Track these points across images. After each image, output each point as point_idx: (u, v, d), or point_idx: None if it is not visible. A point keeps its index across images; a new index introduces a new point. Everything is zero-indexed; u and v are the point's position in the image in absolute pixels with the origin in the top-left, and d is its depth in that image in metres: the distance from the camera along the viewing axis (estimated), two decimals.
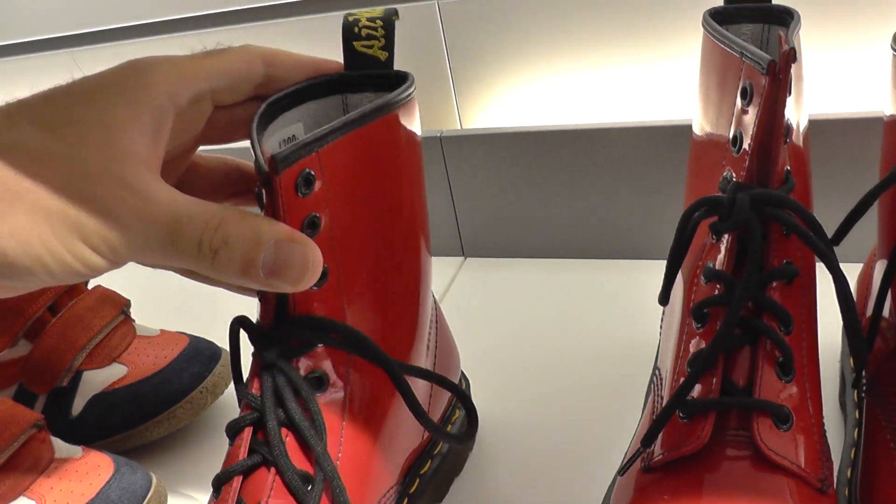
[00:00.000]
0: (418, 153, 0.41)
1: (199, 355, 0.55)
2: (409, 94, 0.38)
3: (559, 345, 0.60)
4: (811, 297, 0.38)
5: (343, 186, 0.35)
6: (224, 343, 0.58)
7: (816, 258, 0.37)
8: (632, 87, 0.66)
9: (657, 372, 0.43)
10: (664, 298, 0.40)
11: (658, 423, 0.36)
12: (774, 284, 0.37)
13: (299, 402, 0.35)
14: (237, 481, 0.35)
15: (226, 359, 0.57)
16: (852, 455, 0.41)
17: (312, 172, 0.33)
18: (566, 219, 0.69)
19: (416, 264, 0.42)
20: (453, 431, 0.47)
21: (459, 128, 0.73)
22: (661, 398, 0.40)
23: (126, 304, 0.58)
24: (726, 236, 0.38)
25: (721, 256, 0.38)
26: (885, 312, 0.41)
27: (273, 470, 0.35)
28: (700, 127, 0.43)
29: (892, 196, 0.41)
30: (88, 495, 0.45)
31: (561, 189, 0.68)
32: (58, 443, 0.49)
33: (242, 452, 0.35)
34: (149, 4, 0.79)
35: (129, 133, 0.30)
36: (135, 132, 0.30)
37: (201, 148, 0.39)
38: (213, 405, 0.56)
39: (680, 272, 0.40)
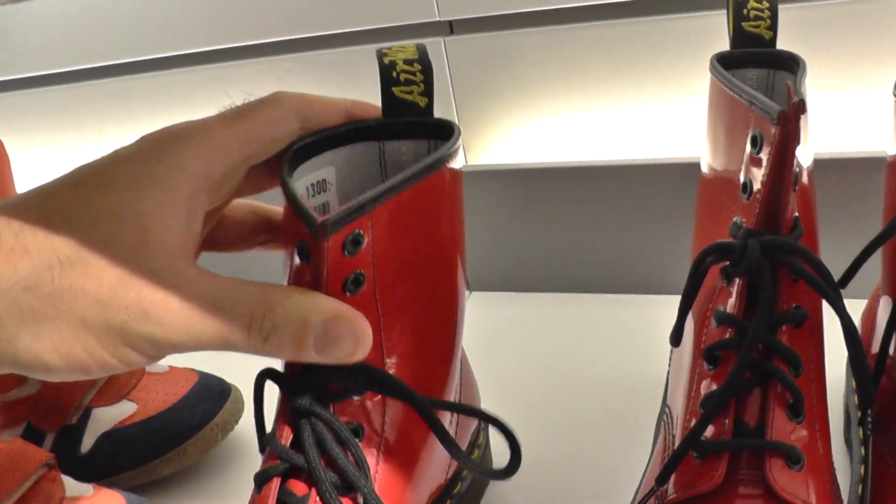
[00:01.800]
0: (461, 192, 0.40)
1: (209, 392, 0.56)
2: (458, 146, 0.38)
3: (565, 379, 0.61)
4: (819, 339, 0.39)
5: (390, 242, 0.35)
6: (232, 379, 0.59)
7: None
8: (637, 124, 0.67)
9: (667, 410, 0.44)
10: (676, 339, 0.41)
11: (672, 463, 0.37)
12: (784, 328, 0.38)
13: (340, 447, 0.35)
14: None
15: (235, 395, 0.57)
16: (860, 491, 0.42)
17: (361, 233, 0.33)
18: (572, 254, 0.70)
19: (454, 305, 0.41)
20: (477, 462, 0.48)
21: (465, 163, 0.74)
22: (673, 437, 0.40)
23: None
24: (737, 280, 0.39)
25: (732, 300, 0.39)
26: (891, 350, 0.42)
27: None
28: (709, 167, 0.44)
29: None
30: None
31: (566, 224, 0.69)
32: (68, 481, 0.49)
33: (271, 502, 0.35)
34: (152, 39, 0.80)
35: (165, 222, 0.30)
36: (171, 219, 0.30)
37: None
38: (222, 442, 0.56)
39: (690, 314, 0.41)
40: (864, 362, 0.36)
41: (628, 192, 0.66)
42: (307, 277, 0.33)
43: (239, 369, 0.63)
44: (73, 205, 0.30)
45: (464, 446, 0.46)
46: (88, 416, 0.54)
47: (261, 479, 0.36)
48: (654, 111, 0.66)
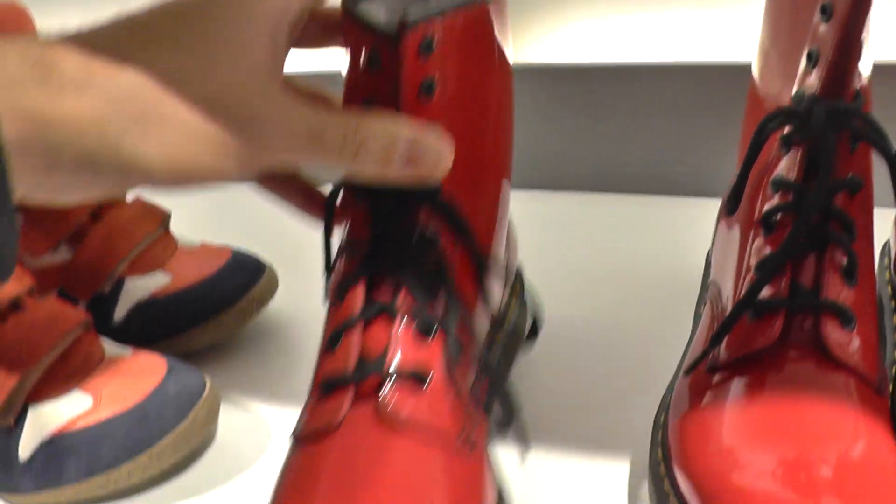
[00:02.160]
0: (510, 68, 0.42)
1: (244, 266, 0.56)
2: None
3: (600, 270, 0.63)
4: (869, 211, 0.40)
5: (456, 57, 0.36)
6: (267, 257, 0.59)
7: None
8: (683, 27, 0.67)
9: (713, 287, 0.44)
10: (733, 207, 0.42)
11: (728, 323, 0.38)
12: (839, 195, 0.39)
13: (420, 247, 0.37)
14: (359, 328, 0.36)
15: (270, 271, 0.57)
16: (893, 372, 0.44)
17: (433, 38, 0.34)
18: (609, 154, 0.71)
19: (505, 155, 0.43)
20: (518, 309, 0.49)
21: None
22: (723, 308, 0.41)
23: (167, 217, 0.58)
24: (796, 150, 0.39)
25: (790, 168, 0.39)
26: None
27: (395, 320, 0.36)
28: (769, 43, 0.44)
29: None
30: (145, 391, 0.46)
31: (606, 124, 0.69)
32: (106, 342, 0.49)
33: (358, 305, 0.36)
34: None
35: (255, 50, 0.30)
36: (259, 48, 0.31)
37: None
38: (255, 319, 0.57)
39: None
40: None
41: (673, 93, 0.66)
42: (380, 87, 0.34)
43: (272, 251, 0.64)
44: (165, 29, 0.30)
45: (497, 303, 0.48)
46: (121, 287, 0.54)
47: (342, 287, 0.37)
48: (702, 15, 0.66)
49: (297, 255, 0.70)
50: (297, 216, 0.41)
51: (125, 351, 0.49)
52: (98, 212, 0.55)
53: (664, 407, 0.42)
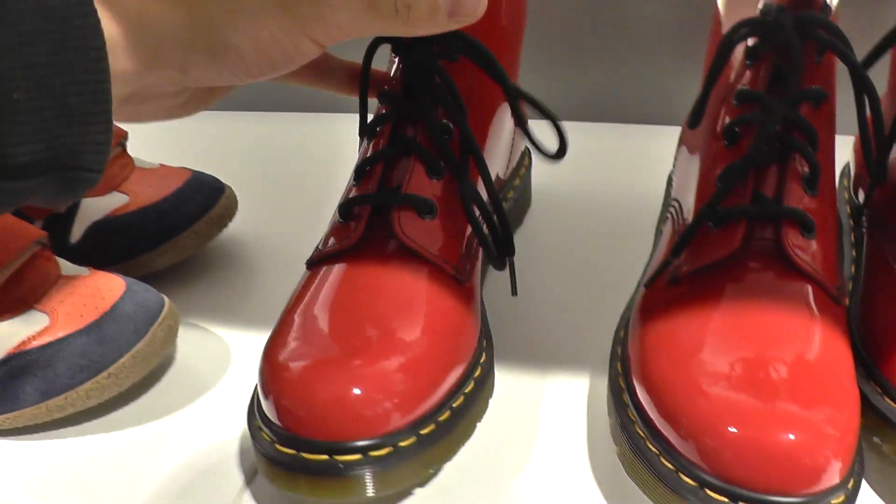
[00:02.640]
0: None
1: (203, 187, 0.55)
2: None
3: (568, 195, 0.63)
4: (832, 125, 0.40)
5: None
6: (227, 182, 0.58)
7: None
8: None
9: (674, 203, 0.45)
10: (695, 120, 0.42)
11: (689, 233, 0.38)
12: (803, 106, 0.39)
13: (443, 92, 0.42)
14: (379, 167, 0.41)
15: (230, 193, 0.56)
16: (850, 287, 0.44)
17: None
18: (581, 83, 0.70)
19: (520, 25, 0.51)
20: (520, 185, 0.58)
21: None
22: (685, 221, 0.41)
23: (124, 136, 0.57)
24: (761, 63, 0.39)
25: (755, 79, 0.39)
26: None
27: (412, 157, 0.41)
28: None
29: None
30: (102, 308, 0.45)
31: (569, 53, 0.69)
32: (63, 262, 0.48)
33: (382, 145, 0.42)
34: None
35: None
36: None
37: None
38: (215, 241, 0.56)
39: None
40: (880, 122, 0.37)
41: (637, 22, 0.66)
42: None
43: (233, 176, 0.63)
44: None
45: (514, 163, 0.56)
46: (77, 206, 0.53)
47: (371, 128, 0.43)
48: None
49: (258, 178, 0.69)
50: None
51: (83, 270, 0.48)
52: None
53: (624, 322, 0.42)
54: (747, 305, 0.36)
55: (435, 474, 0.39)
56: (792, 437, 0.31)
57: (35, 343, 0.44)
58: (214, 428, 0.44)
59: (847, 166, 0.53)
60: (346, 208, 0.41)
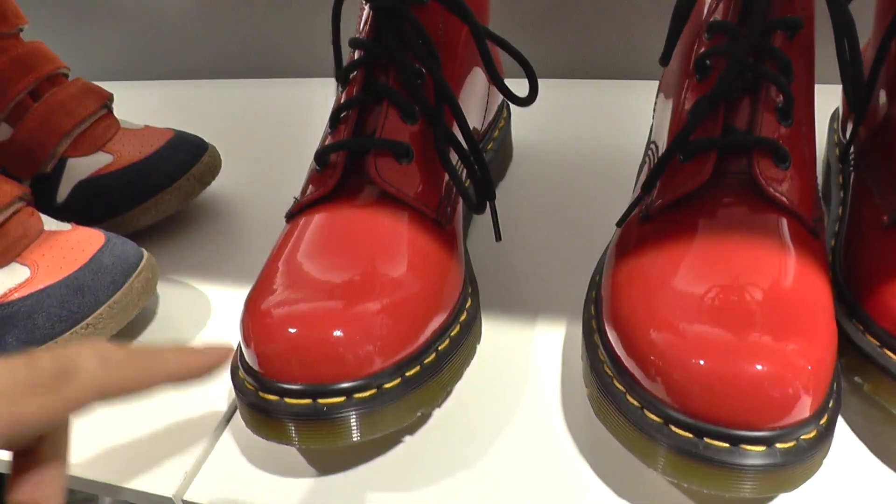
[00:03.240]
0: None
1: (186, 145, 0.55)
2: None
3: (555, 146, 0.62)
4: (810, 55, 0.39)
5: None
6: (210, 141, 0.58)
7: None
8: None
9: (651, 146, 0.43)
10: (666, 58, 0.41)
11: (658, 168, 0.37)
12: (777, 35, 0.37)
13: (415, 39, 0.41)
14: (354, 113, 0.41)
15: (213, 151, 0.56)
16: (836, 227, 0.43)
17: None
18: (555, 40, 0.69)
19: None
20: (499, 137, 0.57)
21: None
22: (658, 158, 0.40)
23: (109, 97, 0.57)
24: None
25: (726, 10, 0.38)
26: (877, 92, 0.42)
27: (385, 102, 0.41)
28: None
29: None
30: (81, 261, 0.45)
31: (549, 9, 0.68)
32: (46, 218, 0.48)
33: (356, 90, 0.41)
34: None
35: None
36: None
37: None
38: (199, 198, 0.56)
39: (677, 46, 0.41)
40: (858, 55, 0.36)
41: None
42: None
43: (215, 137, 0.63)
44: None
45: (492, 115, 0.55)
46: (63, 166, 0.53)
47: (344, 75, 0.42)
48: None
49: (242, 139, 0.70)
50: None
51: (65, 226, 0.48)
52: (37, 90, 0.54)
53: (600, 266, 0.41)
54: (719, 238, 0.35)
55: (423, 418, 0.38)
56: (759, 367, 0.30)
57: (16, 295, 0.44)
58: (180, 395, 0.43)
59: (836, 110, 0.52)
60: (323, 156, 0.41)
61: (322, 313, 0.34)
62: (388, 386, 0.35)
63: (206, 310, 0.48)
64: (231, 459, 0.38)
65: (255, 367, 0.35)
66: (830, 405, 0.33)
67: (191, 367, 0.31)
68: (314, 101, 0.73)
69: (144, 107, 0.75)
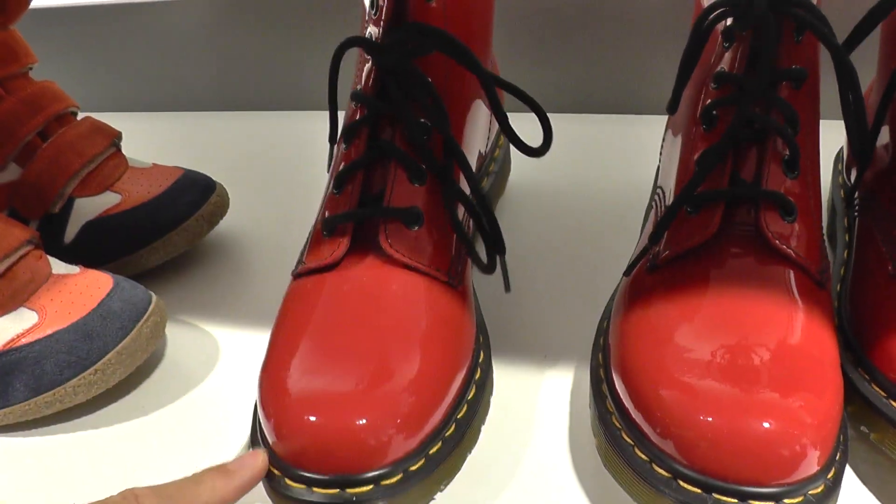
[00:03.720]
0: None
1: (194, 185, 0.55)
2: None
3: (561, 183, 0.62)
4: (815, 104, 0.39)
5: None
6: (219, 178, 0.58)
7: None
8: None
9: (659, 191, 0.44)
10: (673, 106, 0.41)
11: (666, 219, 0.37)
12: (783, 86, 0.38)
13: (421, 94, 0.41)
14: (360, 174, 0.40)
15: (221, 190, 0.56)
16: (842, 272, 0.43)
17: None
18: (562, 74, 0.69)
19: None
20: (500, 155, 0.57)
21: None
22: (667, 206, 0.41)
23: (117, 135, 0.57)
24: (738, 44, 0.38)
25: (733, 61, 0.38)
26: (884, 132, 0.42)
27: (393, 162, 0.40)
28: None
29: (893, 21, 0.42)
30: (89, 306, 0.45)
31: (557, 44, 0.68)
32: (54, 261, 0.49)
33: (360, 151, 0.40)
34: None
35: None
36: None
37: None
38: (207, 238, 0.56)
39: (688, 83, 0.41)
40: (862, 106, 0.36)
41: (623, 12, 0.65)
42: None
43: (223, 172, 0.63)
44: None
45: (490, 142, 0.55)
46: (71, 206, 0.54)
47: (347, 133, 0.42)
48: None
49: (250, 175, 0.70)
50: None
51: (73, 269, 0.49)
52: (46, 130, 0.54)
53: (607, 312, 0.41)
54: (726, 291, 0.35)
55: (444, 489, 0.38)
56: (767, 425, 0.30)
57: (24, 340, 0.44)
58: (202, 424, 0.44)
59: (841, 150, 0.52)
60: (330, 224, 0.40)
61: (344, 399, 0.34)
62: (413, 468, 0.34)
63: (215, 352, 0.49)
64: None
65: (279, 451, 0.34)
66: (838, 458, 0.33)
67: (227, 496, 0.33)
68: (321, 135, 0.73)
69: (153, 139, 0.75)
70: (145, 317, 0.46)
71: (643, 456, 0.33)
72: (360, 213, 0.40)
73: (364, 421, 0.33)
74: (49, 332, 0.45)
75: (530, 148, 0.42)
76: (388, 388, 0.34)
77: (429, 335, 0.37)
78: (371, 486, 0.33)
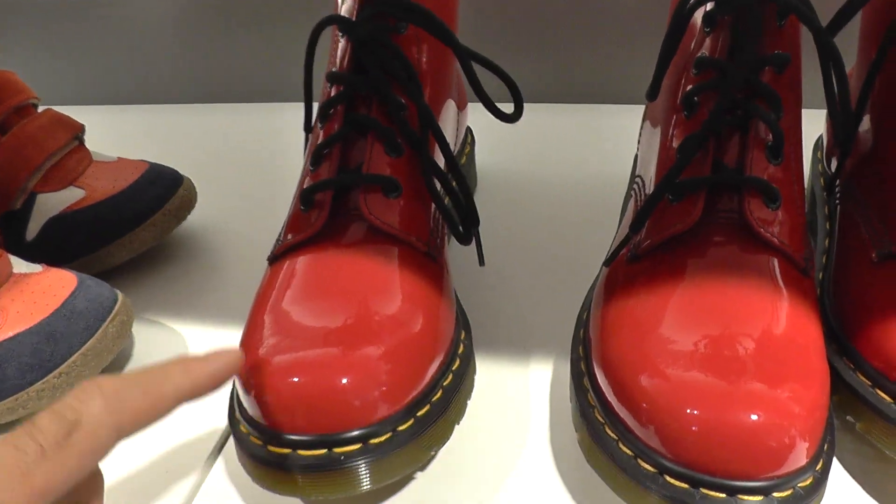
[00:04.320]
0: None
1: (161, 179, 0.53)
2: None
3: (538, 173, 0.62)
4: (798, 91, 0.38)
5: None
6: (186, 172, 0.57)
7: None
8: None
9: (637, 180, 0.43)
10: (653, 93, 0.40)
11: (647, 207, 0.36)
12: (766, 71, 0.37)
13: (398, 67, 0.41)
14: (337, 149, 0.40)
15: (188, 184, 0.55)
16: (824, 260, 0.43)
17: None
18: (542, 63, 0.69)
19: None
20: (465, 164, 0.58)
21: None
22: (647, 195, 0.40)
23: (80, 129, 0.55)
24: (719, 29, 0.37)
25: (714, 46, 0.37)
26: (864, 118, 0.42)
27: (370, 135, 0.40)
28: None
29: (874, 7, 0.42)
30: (53, 306, 0.44)
31: (536, 34, 0.67)
32: (16, 260, 0.47)
33: (337, 126, 0.40)
34: None
35: None
36: None
37: None
38: (175, 233, 0.54)
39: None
40: (846, 89, 0.35)
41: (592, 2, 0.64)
42: None
43: (190, 166, 0.62)
44: None
45: (461, 138, 0.55)
46: (33, 202, 0.52)
47: (324, 111, 0.41)
48: None
49: (217, 169, 0.68)
50: None
51: (35, 268, 0.47)
52: (6, 122, 0.52)
53: (587, 303, 0.41)
54: (710, 280, 0.34)
55: (434, 457, 0.38)
56: (754, 417, 0.29)
57: None
58: (172, 425, 0.42)
59: (820, 138, 0.52)
60: (308, 196, 0.40)
61: (329, 360, 0.33)
62: (402, 428, 0.34)
63: (184, 350, 0.47)
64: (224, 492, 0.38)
65: (259, 419, 0.33)
66: (825, 449, 0.32)
67: (198, 381, 0.30)
68: (289, 127, 0.72)
69: (118, 132, 0.73)
70: (111, 316, 0.44)
71: (628, 451, 0.32)
72: (340, 179, 0.39)
73: (348, 380, 0.32)
74: (10, 334, 0.43)
75: (504, 113, 0.43)
76: (374, 350, 0.33)
77: (412, 302, 0.36)
78: (359, 445, 0.33)
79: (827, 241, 0.43)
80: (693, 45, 0.39)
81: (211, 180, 0.64)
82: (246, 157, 0.71)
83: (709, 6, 0.38)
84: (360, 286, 0.36)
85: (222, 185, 0.65)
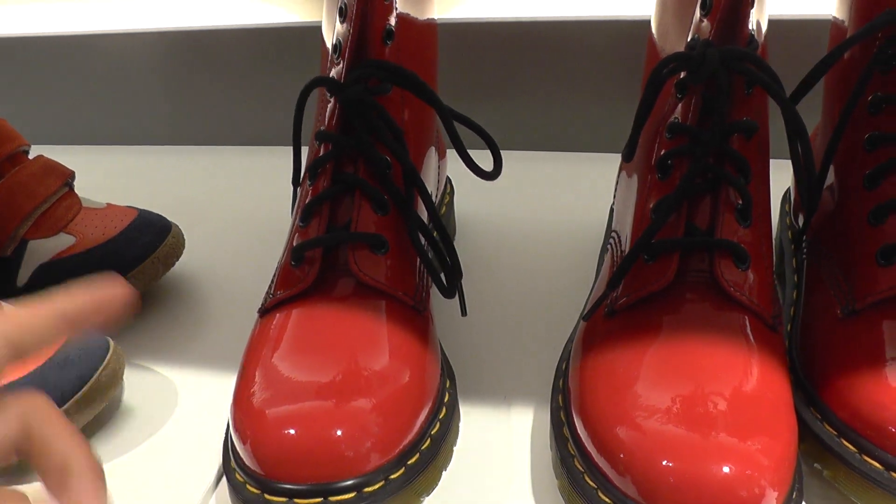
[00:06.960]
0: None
1: (149, 226, 0.54)
2: None
3: (517, 221, 0.63)
4: (765, 155, 0.41)
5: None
6: (173, 219, 0.58)
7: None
8: None
9: (613, 235, 0.45)
10: (630, 154, 0.42)
11: (624, 266, 0.38)
12: (735, 138, 0.39)
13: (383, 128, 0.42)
14: (326, 207, 0.42)
15: (176, 231, 0.56)
16: (791, 312, 0.45)
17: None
18: (519, 112, 0.70)
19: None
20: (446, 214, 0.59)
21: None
22: (622, 252, 0.42)
23: (70, 175, 0.56)
24: (691, 96, 0.39)
25: (686, 113, 0.39)
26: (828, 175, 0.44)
27: (357, 193, 0.41)
28: (662, 9, 0.45)
29: (836, 73, 0.44)
30: (46, 354, 0.44)
31: (514, 82, 0.69)
32: (7, 306, 0.48)
33: (326, 184, 0.42)
34: None
35: None
36: None
37: None
38: (163, 280, 0.55)
39: (642, 132, 0.42)
40: (811, 157, 0.37)
41: (579, 50, 0.66)
42: (349, 37, 0.43)
43: (179, 212, 0.63)
44: None
45: (442, 186, 0.57)
46: (24, 249, 0.53)
47: (313, 169, 0.43)
48: None
49: (206, 212, 0.69)
50: None
51: None
52: None
53: (566, 354, 0.42)
54: (683, 337, 0.36)
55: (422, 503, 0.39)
56: (726, 468, 0.31)
57: None
58: (162, 471, 0.43)
59: (788, 191, 0.54)
60: (299, 252, 0.41)
61: (323, 413, 0.35)
62: (394, 476, 0.36)
63: (174, 396, 0.48)
64: None
65: (256, 468, 0.35)
66: (794, 497, 0.34)
67: (79, 301, 0.29)
68: (277, 170, 0.73)
69: (106, 174, 0.74)
70: (103, 364, 0.45)
71: (606, 499, 0.34)
72: (330, 237, 0.41)
73: (342, 432, 0.34)
74: (4, 382, 0.44)
75: (484, 171, 0.44)
76: (365, 403, 0.35)
77: (400, 355, 0.38)
78: (353, 494, 0.34)
79: (795, 294, 0.45)
80: (666, 108, 0.41)
81: (199, 224, 0.65)
82: (235, 202, 0.72)
83: (681, 74, 0.40)
84: (350, 341, 0.38)
85: (211, 229, 0.66)
